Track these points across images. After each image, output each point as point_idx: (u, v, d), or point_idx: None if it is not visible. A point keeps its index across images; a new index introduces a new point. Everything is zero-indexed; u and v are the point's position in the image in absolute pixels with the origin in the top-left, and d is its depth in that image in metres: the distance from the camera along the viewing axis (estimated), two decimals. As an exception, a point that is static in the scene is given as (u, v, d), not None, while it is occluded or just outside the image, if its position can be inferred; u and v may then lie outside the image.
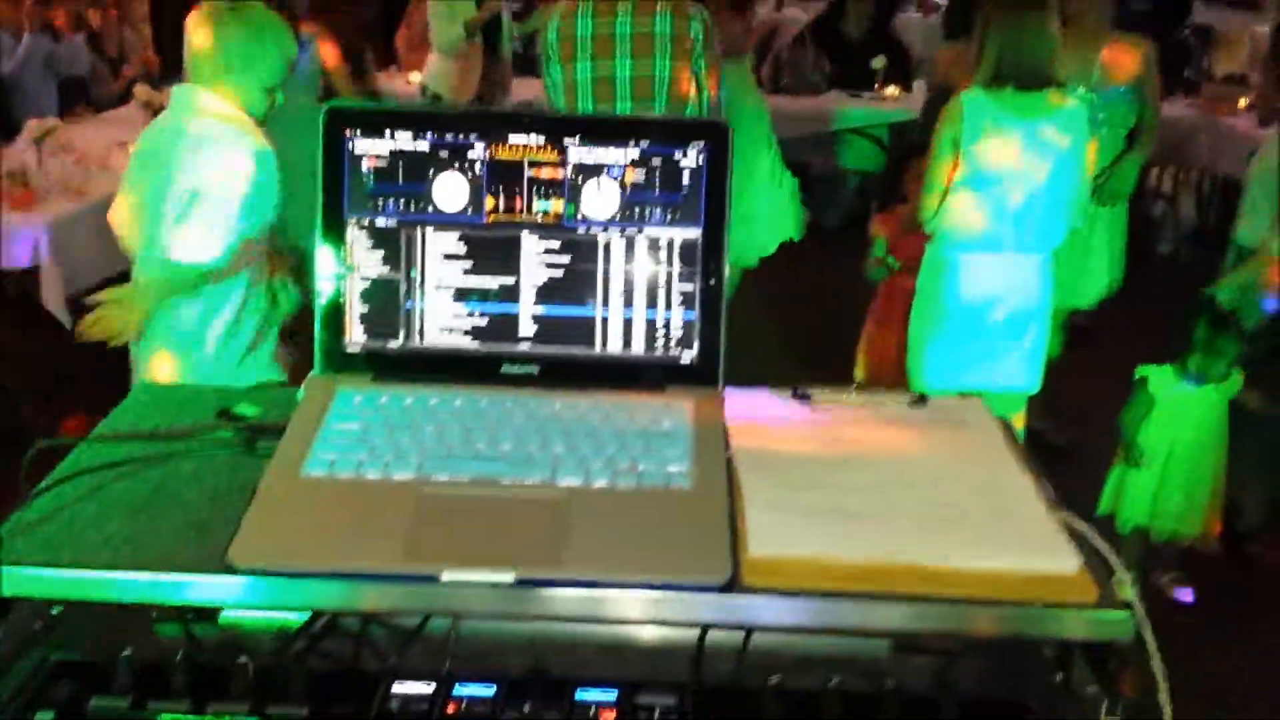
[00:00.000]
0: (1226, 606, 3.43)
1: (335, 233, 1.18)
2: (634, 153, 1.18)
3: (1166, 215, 7.17)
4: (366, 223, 1.18)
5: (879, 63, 6.57)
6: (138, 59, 5.77)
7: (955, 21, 4.83)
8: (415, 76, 6.23)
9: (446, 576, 0.96)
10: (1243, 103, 6.32)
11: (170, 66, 7.29)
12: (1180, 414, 3.17)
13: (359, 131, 1.17)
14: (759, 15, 7.46)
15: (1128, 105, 4.15)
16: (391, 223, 1.18)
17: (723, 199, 1.18)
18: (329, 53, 4.61)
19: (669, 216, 1.18)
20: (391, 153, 1.17)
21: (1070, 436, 4.19)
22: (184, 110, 2.51)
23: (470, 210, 1.18)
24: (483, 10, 5.07)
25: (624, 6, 3.33)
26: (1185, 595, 3.41)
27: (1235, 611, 3.43)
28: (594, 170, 1.18)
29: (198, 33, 2.45)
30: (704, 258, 1.19)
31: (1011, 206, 3.15)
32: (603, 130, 1.18)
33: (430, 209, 1.18)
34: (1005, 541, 1.04)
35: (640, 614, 0.99)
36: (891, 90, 6.59)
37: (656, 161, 1.18)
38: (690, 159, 1.18)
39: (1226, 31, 10.05)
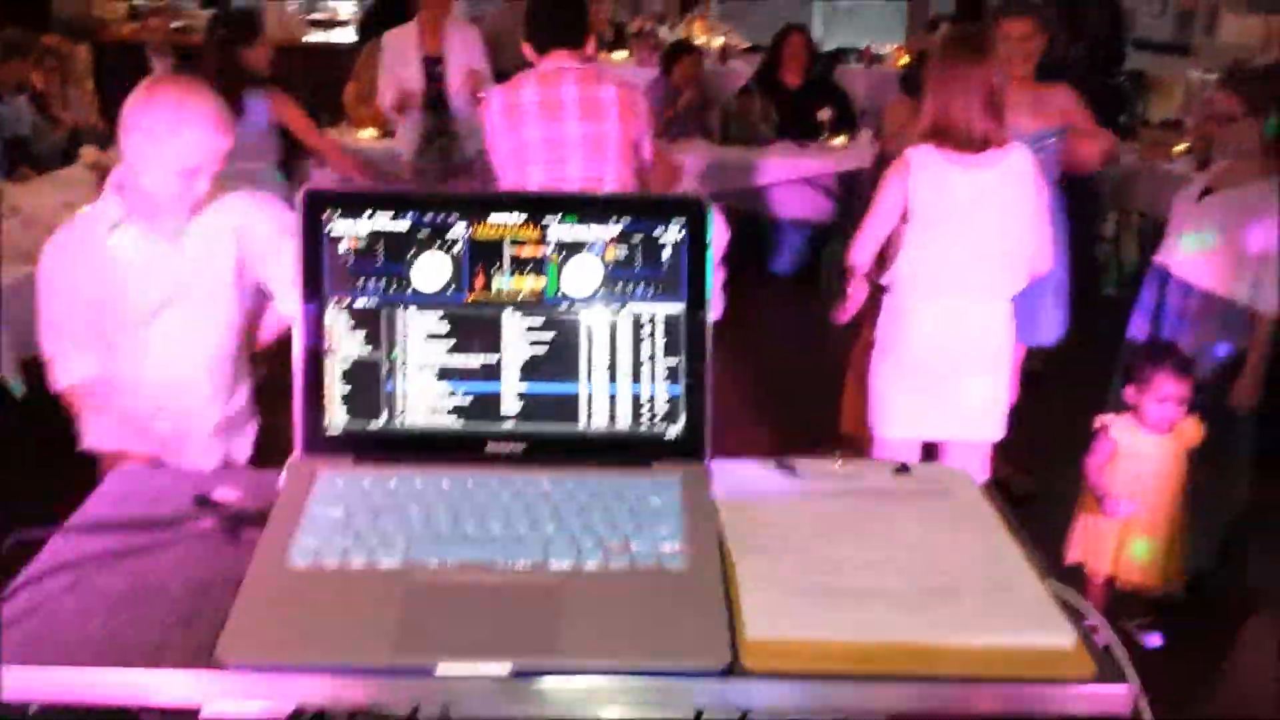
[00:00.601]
0: (1193, 647, 3.46)
1: (314, 314, 1.17)
2: (615, 229, 1.18)
3: (1110, 258, 7.31)
4: (346, 303, 1.17)
5: (825, 114, 6.65)
6: (81, 118, 5.71)
7: (910, 78, 4.91)
8: (364, 133, 6.22)
9: (441, 670, 0.94)
10: (1180, 147, 6.47)
11: (111, 125, 7.24)
12: (1141, 464, 3.21)
13: (337, 213, 1.16)
14: (705, 66, 7.56)
15: (1056, 150, 4.23)
16: (372, 303, 1.17)
17: (704, 273, 1.18)
18: (287, 110, 4.58)
19: (651, 292, 1.18)
20: (371, 233, 1.16)
21: (1034, 483, 4.22)
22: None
23: (451, 289, 1.17)
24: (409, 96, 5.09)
25: (568, 78, 3.42)
26: (1153, 640, 3.44)
27: (1201, 653, 3.46)
28: (575, 247, 1.18)
29: (128, 109, 2.36)
30: (687, 332, 1.19)
31: (964, 257, 3.20)
32: (583, 208, 1.18)
33: (411, 289, 1.17)
34: (1002, 617, 1.04)
35: (640, 701, 0.98)
36: (838, 141, 6.68)
37: (637, 238, 1.18)
38: (671, 234, 1.18)
39: (1160, 76, 10.35)
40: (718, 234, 1.11)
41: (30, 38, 5.53)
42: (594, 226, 1.17)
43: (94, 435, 2.53)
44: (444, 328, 1.18)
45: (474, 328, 1.18)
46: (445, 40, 5.09)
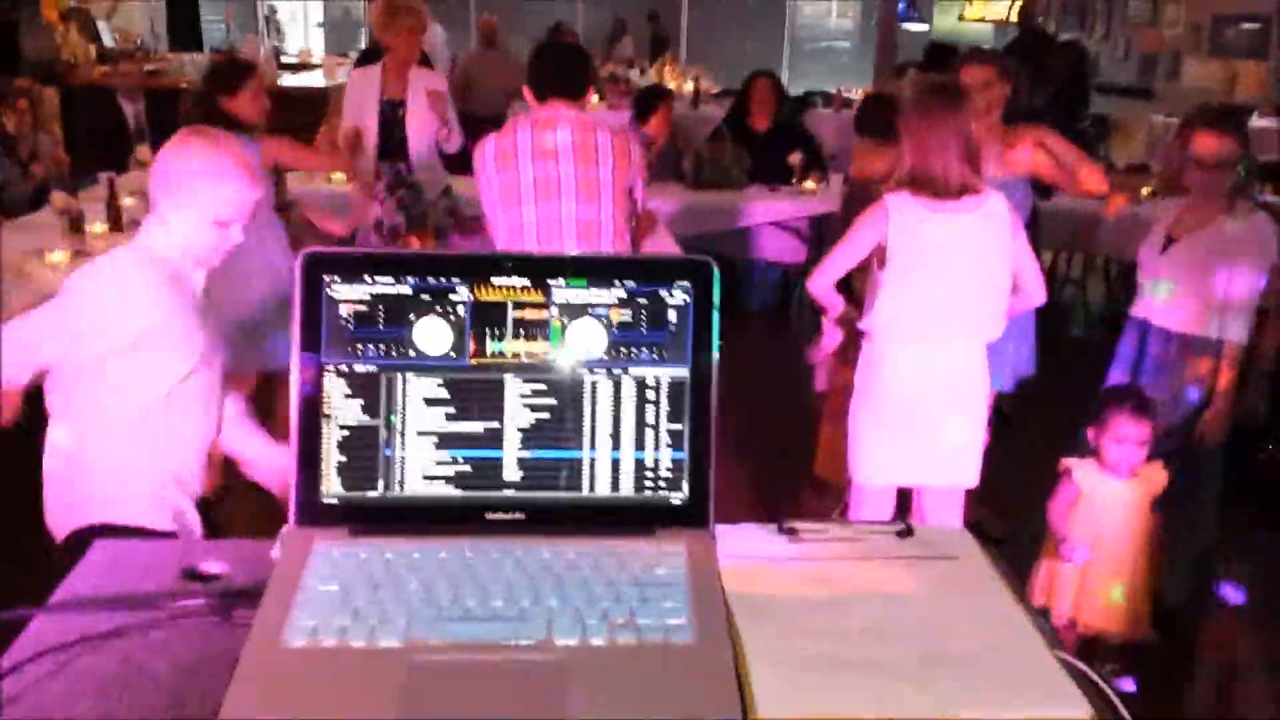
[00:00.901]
0: (1167, 692, 3.46)
1: (311, 380, 1.13)
2: (619, 292, 1.16)
3: (1077, 299, 7.39)
4: (345, 369, 1.14)
5: (795, 158, 6.69)
6: (50, 161, 5.64)
7: (866, 119, 4.94)
8: (336, 176, 6.19)
9: (448, 756, 0.91)
10: (1145, 190, 6.55)
11: (79, 168, 7.16)
12: (1104, 509, 3.21)
13: (337, 276, 1.13)
14: (676, 111, 7.59)
15: (1024, 194, 4.27)
16: (371, 368, 1.14)
17: (709, 337, 1.16)
18: (281, 152, 4.52)
19: (656, 355, 1.16)
20: (371, 296, 1.14)
21: (1008, 526, 4.22)
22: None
23: (453, 353, 1.15)
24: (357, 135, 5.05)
25: (563, 124, 3.42)
26: (1126, 685, 3.43)
27: (1176, 697, 3.45)
28: (579, 310, 1.15)
29: (158, 161, 2.35)
30: (692, 397, 1.17)
31: (941, 302, 3.21)
32: (587, 270, 1.16)
33: (411, 353, 1.14)
34: (1013, 690, 1.02)
35: (653, 784, 0.95)
36: (809, 184, 6.72)
37: (642, 300, 1.16)
38: (676, 297, 1.16)
39: (1124, 120, 10.51)
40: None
41: (2, 81, 5.47)
42: (598, 289, 1.15)
43: (113, 509, 2.36)
44: (444, 393, 1.15)
45: (475, 392, 1.15)
46: (409, 85, 5.05)
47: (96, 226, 4.71)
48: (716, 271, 1.16)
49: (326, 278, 1.13)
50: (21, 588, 1.15)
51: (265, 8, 14.36)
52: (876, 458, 3.34)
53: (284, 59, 11.09)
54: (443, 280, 1.14)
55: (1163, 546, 3.29)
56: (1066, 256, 7.41)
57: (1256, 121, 8.52)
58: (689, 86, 9.80)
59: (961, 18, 14.08)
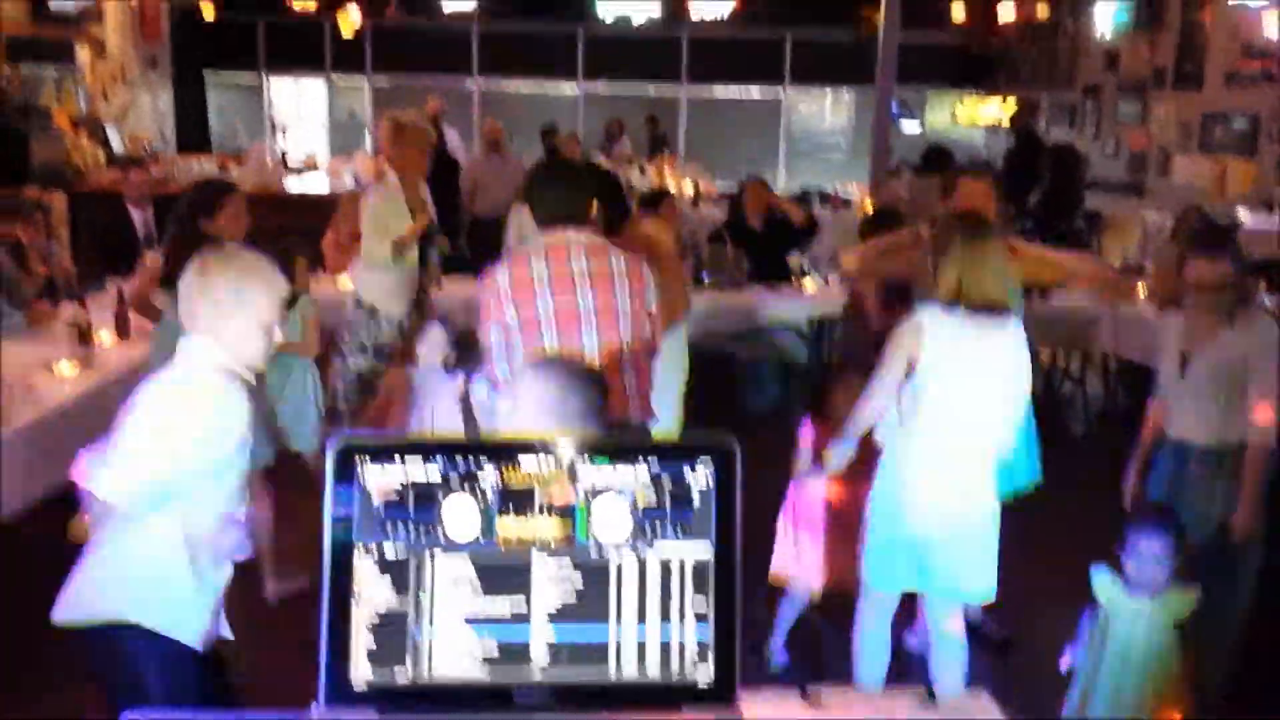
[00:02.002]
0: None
1: (342, 563, 1.15)
2: (644, 473, 1.18)
3: (1076, 396, 7.42)
4: (375, 552, 1.16)
5: (796, 260, 6.79)
6: (58, 271, 5.71)
7: (870, 232, 5.03)
8: (343, 280, 6.24)
9: None
10: (1141, 290, 6.63)
11: (86, 273, 7.23)
12: (1130, 626, 3.20)
13: (369, 460, 1.16)
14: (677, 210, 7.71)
15: (1019, 303, 4.33)
16: (401, 551, 1.16)
17: (732, 515, 1.19)
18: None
19: (680, 534, 1.18)
20: (403, 482, 1.16)
21: (1011, 630, 4.20)
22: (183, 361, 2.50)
23: (481, 536, 1.17)
24: (412, 229, 5.13)
25: (576, 251, 3.39)
26: None
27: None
28: (605, 491, 1.18)
29: (192, 284, 2.46)
30: (716, 575, 1.19)
31: (964, 419, 3.28)
32: (613, 451, 1.19)
33: (441, 536, 1.16)
34: None
35: None
36: (809, 285, 6.80)
37: (666, 481, 1.18)
38: (700, 478, 1.19)
39: (1116, 216, 10.67)
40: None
41: (14, 194, 5.57)
42: (623, 469, 1.18)
43: (148, 612, 2.42)
44: (473, 574, 1.17)
45: (503, 574, 1.17)
46: (425, 197, 5.20)
47: (104, 335, 4.74)
48: (739, 451, 1.19)
49: (359, 462, 1.15)
50: None
51: (271, 112, 14.68)
52: (889, 566, 3.36)
53: (290, 163, 11.28)
54: (471, 463, 1.17)
55: (1186, 672, 3.26)
56: (1065, 353, 7.46)
57: (1245, 217, 8.67)
58: (689, 187, 9.96)
59: (954, 119, 14.37)
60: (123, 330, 4.79)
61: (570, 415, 2.29)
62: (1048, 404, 4.09)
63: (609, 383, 3.25)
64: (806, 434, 4.02)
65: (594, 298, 3.36)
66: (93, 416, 4.11)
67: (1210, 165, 10.11)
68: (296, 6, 10.99)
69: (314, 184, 9.68)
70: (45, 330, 4.86)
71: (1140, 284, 6.61)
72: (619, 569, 1.18)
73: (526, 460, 1.17)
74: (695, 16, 13.40)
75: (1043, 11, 13.12)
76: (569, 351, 3.31)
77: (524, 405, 2.35)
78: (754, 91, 15.29)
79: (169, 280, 4.51)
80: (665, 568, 1.18)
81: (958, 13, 13.74)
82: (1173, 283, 6.14)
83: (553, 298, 3.34)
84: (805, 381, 6.50)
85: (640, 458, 1.18)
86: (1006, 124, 11.37)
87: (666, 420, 4.38)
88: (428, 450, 1.17)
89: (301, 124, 15.03)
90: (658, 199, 7.02)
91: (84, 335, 4.49)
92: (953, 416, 3.27)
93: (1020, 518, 4.81)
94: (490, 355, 3.53)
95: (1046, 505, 4.52)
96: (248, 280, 2.45)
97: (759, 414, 6.81)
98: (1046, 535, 4.39)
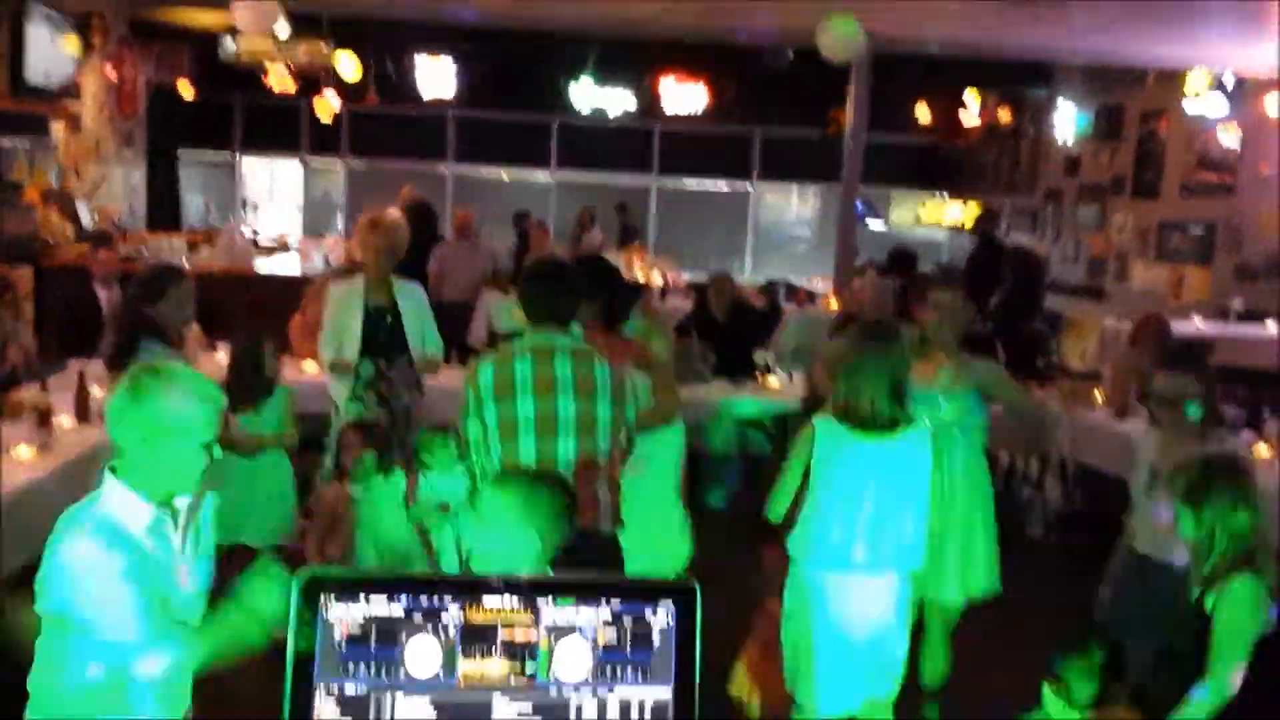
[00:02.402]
0: None
1: (301, 701, 1.16)
2: (605, 613, 1.20)
3: (1034, 500, 7.47)
4: (335, 690, 1.16)
5: (760, 357, 6.86)
6: (18, 350, 5.65)
7: (842, 325, 5.12)
8: (308, 365, 6.23)
9: None
10: (1098, 395, 6.73)
11: (48, 348, 7.17)
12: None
13: (333, 596, 1.17)
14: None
15: (979, 407, 4.38)
16: (362, 689, 1.17)
17: (692, 655, 1.20)
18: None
19: (641, 676, 1.20)
20: (366, 618, 1.17)
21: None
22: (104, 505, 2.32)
23: (442, 674, 1.18)
24: (346, 364, 5.14)
25: (561, 354, 3.40)
26: None
27: None
28: (567, 630, 1.19)
29: (124, 404, 2.28)
30: (675, 717, 1.20)
31: (862, 529, 3.31)
32: (576, 590, 1.20)
33: (402, 674, 1.17)
34: None
35: None
36: (772, 380, 6.86)
37: (628, 621, 1.20)
38: (660, 618, 1.20)
39: (1076, 319, 10.86)
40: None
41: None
42: (585, 609, 1.19)
43: None
44: (432, 713, 1.17)
45: (463, 714, 1.17)
46: (397, 293, 5.19)
47: (64, 419, 4.70)
48: (699, 593, 1.21)
49: (323, 599, 1.16)
50: None
51: (244, 191, 14.74)
52: (811, 678, 3.38)
53: (261, 241, 11.31)
54: (435, 600, 1.18)
55: None
56: (1023, 457, 7.53)
57: (1201, 324, 8.88)
58: (657, 279, 10.06)
59: (918, 220, 14.68)
60: (82, 413, 4.75)
61: (536, 527, 2.30)
62: (1006, 507, 4.11)
63: (579, 492, 3.29)
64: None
65: (575, 405, 3.36)
66: (52, 501, 4.05)
67: (1167, 272, 10.37)
68: (275, 88, 11.11)
69: (285, 265, 9.71)
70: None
71: (1097, 390, 6.71)
72: (578, 712, 1.19)
73: (490, 598, 1.19)
74: (669, 111, 13.68)
75: (1005, 116, 13.50)
76: (545, 457, 3.32)
77: (491, 516, 2.36)
78: (723, 183, 15.56)
79: (115, 364, 4.51)
80: (625, 709, 1.19)
81: (923, 115, 14.11)
82: (1129, 390, 6.27)
83: (534, 401, 3.34)
84: (768, 476, 6.53)
85: (602, 598, 1.20)
86: (969, 225, 11.63)
87: (667, 525, 4.39)
88: (392, 587, 1.18)
89: (274, 204, 15.10)
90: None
91: (43, 418, 4.45)
92: (846, 526, 3.30)
93: (976, 620, 4.84)
94: (467, 450, 3.54)
95: (1003, 609, 4.54)
96: (185, 400, 2.28)
97: (721, 509, 6.82)
98: (1001, 641, 4.39)
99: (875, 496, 3.29)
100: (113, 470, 2.31)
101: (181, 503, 2.35)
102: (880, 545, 3.32)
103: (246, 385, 4.57)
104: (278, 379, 4.79)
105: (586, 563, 3.42)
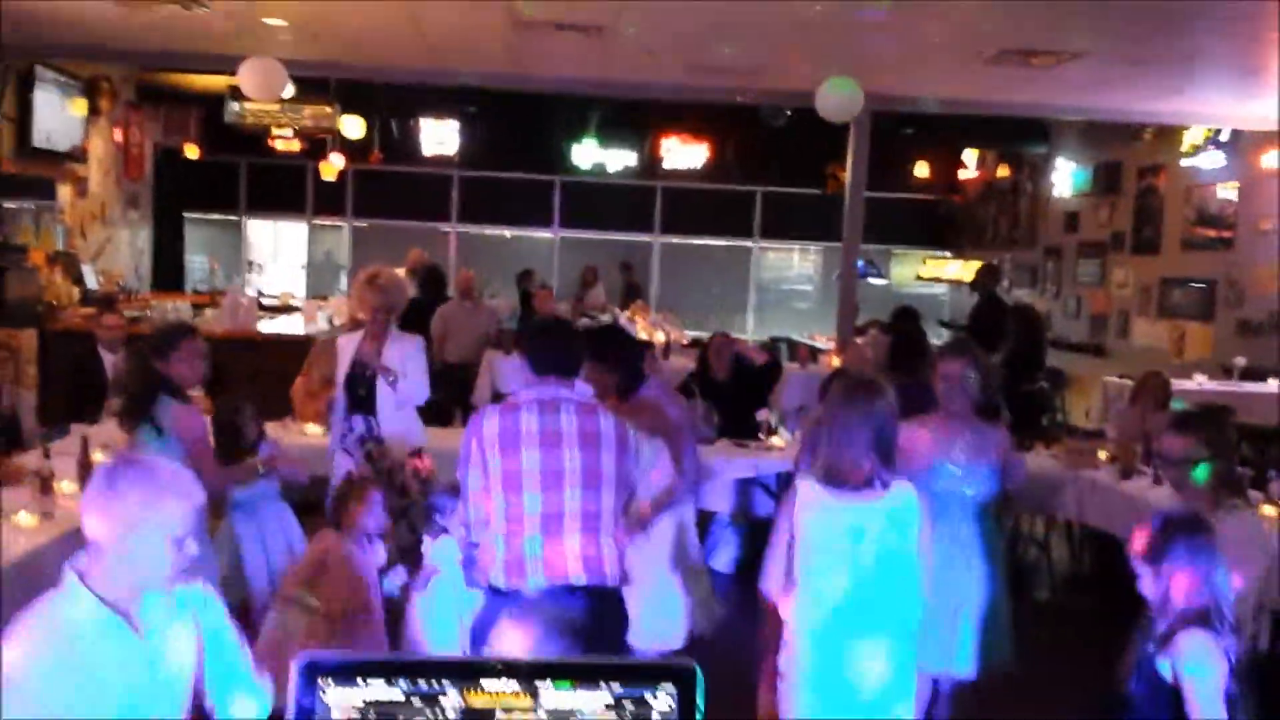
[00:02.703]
0: None
1: (300, 788, 1.15)
2: (606, 696, 1.19)
3: (1041, 562, 7.42)
4: (333, 777, 1.15)
5: (763, 415, 6.85)
6: (23, 417, 5.67)
7: (829, 382, 5.13)
8: (310, 428, 6.23)
9: None
10: (1103, 456, 6.71)
11: (51, 412, 7.18)
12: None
13: (331, 680, 1.16)
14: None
15: (993, 476, 4.35)
16: (359, 776, 1.16)
17: (693, 740, 1.19)
18: (189, 427, 4.52)
19: (641, 761, 1.19)
20: (364, 702, 1.16)
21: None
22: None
23: (441, 761, 1.17)
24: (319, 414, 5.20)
25: (567, 407, 3.42)
26: None
27: None
28: (566, 715, 1.18)
29: (99, 497, 2.23)
30: (676, 803, 1.18)
31: (849, 591, 3.25)
32: (575, 673, 1.20)
33: (400, 761, 1.16)
34: None
35: None
36: (776, 441, 6.85)
37: (629, 705, 1.19)
38: (661, 701, 1.19)
39: (1077, 376, 10.86)
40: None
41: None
42: (585, 693, 1.19)
43: None
44: (431, 801, 1.16)
45: (461, 801, 1.16)
46: (384, 348, 5.20)
47: (65, 485, 4.69)
48: (700, 677, 1.20)
49: (322, 682, 1.16)
50: None
51: (249, 252, 14.85)
52: None
53: (265, 301, 11.36)
54: (434, 684, 1.17)
55: None
56: (1029, 518, 7.49)
57: (1201, 382, 8.86)
58: (660, 337, 10.09)
59: (919, 276, 14.75)
60: (85, 479, 4.74)
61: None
62: (1012, 570, 4.07)
63: (582, 544, 3.28)
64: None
65: (580, 457, 3.36)
66: (52, 570, 4.02)
67: (1169, 328, 10.38)
68: (280, 148, 11.24)
69: (289, 325, 9.74)
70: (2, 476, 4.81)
71: (1101, 450, 6.68)
72: (578, 797, 1.18)
73: (489, 682, 1.18)
74: (670, 169, 13.82)
75: (1003, 172, 13.62)
76: (549, 509, 3.31)
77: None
78: (724, 240, 15.67)
79: (129, 423, 4.53)
80: (624, 796, 1.18)
81: (922, 172, 14.25)
82: (1134, 449, 6.25)
83: (539, 452, 3.34)
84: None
85: (602, 681, 1.19)
86: (969, 281, 11.69)
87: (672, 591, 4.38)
88: (390, 670, 1.17)
89: (278, 264, 15.20)
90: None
91: (45, 484, 4.45)
92: (833, 589, 3.24)
93: (985, 688, 4.79)
94: (464, 501, 3.51)
95: (1010, 675, 4.50)
96: (160, 494, 2.22)
97: (725, 571, 6.78)
98: (1010, 707, 4.34)
99: (861, 558, 3.23)
100: (78, 575, 2.23)
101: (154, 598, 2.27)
102: (869, 608, 3.26)
103: (226, 450, 4.61)
104: (258, 442, 4.81)
105: (591, 617, 3.42)
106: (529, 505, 3.32)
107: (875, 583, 3.25)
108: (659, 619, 4.29)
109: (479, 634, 3.48)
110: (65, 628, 2.18)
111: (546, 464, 3.34)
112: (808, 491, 3.27)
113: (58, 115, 9.74)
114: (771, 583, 3.36)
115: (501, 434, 3.37)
